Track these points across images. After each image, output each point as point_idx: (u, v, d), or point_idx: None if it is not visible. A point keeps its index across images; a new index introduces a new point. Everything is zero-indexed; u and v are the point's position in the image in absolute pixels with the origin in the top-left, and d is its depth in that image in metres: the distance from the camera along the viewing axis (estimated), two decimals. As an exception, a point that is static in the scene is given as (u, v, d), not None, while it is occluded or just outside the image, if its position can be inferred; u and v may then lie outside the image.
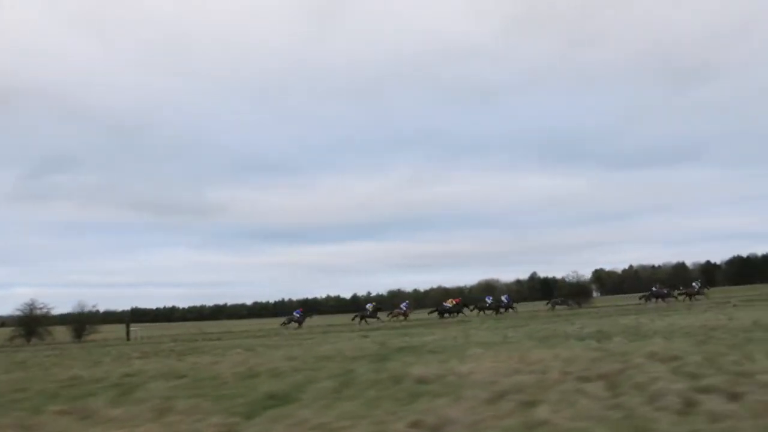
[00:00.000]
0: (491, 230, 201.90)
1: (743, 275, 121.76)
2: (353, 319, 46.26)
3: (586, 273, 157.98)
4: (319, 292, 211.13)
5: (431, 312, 48.53)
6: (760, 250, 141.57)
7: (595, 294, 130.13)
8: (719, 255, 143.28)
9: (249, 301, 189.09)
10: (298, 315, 46.75)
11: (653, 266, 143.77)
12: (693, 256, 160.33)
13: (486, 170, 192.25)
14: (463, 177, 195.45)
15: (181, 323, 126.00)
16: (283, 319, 48.12)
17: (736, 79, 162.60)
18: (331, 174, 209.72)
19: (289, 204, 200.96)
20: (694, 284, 51.89)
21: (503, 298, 50.69)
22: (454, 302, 48.45)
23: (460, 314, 46.26)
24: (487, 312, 47.86)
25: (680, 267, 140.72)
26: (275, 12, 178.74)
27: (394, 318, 46.22)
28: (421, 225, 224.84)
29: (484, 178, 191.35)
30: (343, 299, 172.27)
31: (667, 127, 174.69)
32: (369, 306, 47.64)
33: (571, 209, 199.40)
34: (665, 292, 49.21)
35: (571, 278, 60.53)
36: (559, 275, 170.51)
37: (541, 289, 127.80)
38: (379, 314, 46.55)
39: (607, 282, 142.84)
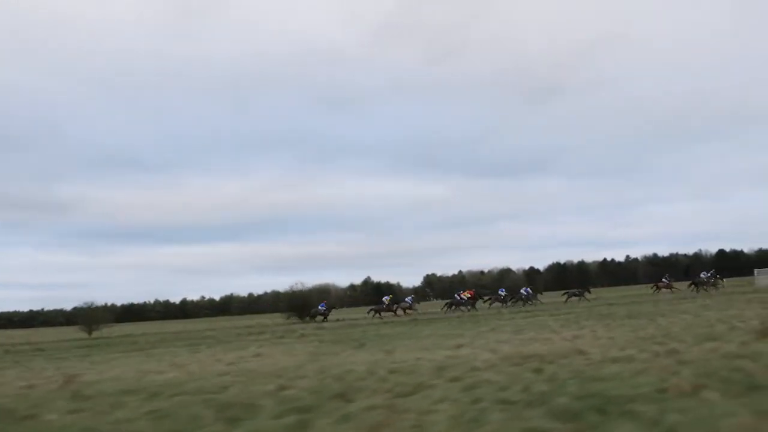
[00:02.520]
0: (355, 233, 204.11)
1: (559, 281, 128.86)
2: (368, 313, 44.82)
3: (420, 278, 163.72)
4: (174, 295, 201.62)
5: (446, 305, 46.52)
6: (600, 256, 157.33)
7: (432, 299, 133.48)
8: (567, 259, 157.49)
9: (69, 307, 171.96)
10: (322, 308, 44.93)
11: (482, 272, 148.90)
12: (540, 260, 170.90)
13: (353, 174, 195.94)
14: (331, 180, 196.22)
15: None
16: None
17: (582, 97, 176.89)
18: (195, 173, 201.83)
19: (149, 203, 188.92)
20: (702, 275, 46.34)
21: (522, 290, 48.51)
22: (468, 294, 46.10)
23: (473, 308, 43.76)
24: (508, 303, 45.93)
25: (505, 272, 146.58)
26: (141, 4, 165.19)
27: (402, 313, 44.30)
28: (287, 227, 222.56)
29: (351, 181, 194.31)
30: (173, 304, 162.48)
31: (521, 140, 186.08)
32: (385, 299, 46.55)
33: (431, 215, 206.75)
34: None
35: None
36: (410, 279, 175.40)
37: (372, 293, 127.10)
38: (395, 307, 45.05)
39: (437, 286, 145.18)
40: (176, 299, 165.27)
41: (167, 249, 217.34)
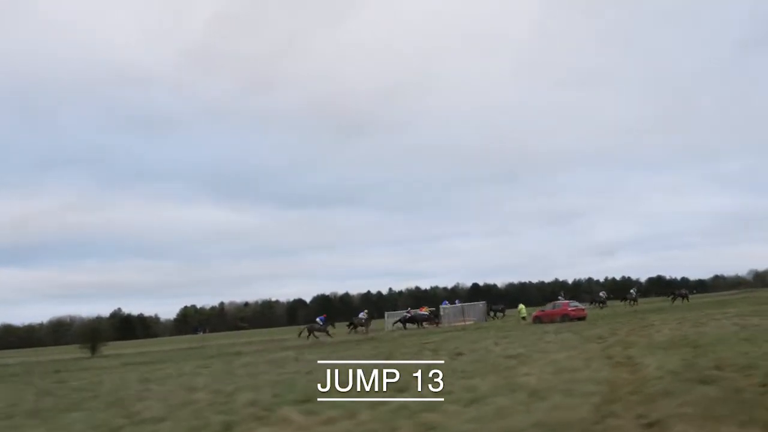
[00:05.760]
0: (158, 260, 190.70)
1: (324, 313, 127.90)
2: (394, 325, 47.63)
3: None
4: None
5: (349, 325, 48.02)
6: (398, 287, 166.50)
7: (202, 332, 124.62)
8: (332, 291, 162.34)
9: None
10: (321, 322, 43.97)
11: (246, 303, 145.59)
12: (335, 290, 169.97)
13: (158, 199, 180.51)
14: (133, 204, 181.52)
15: None
16: (302, 329, 44.39)
17: (391, 135, 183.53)
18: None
19: None
20: (632, 291, 55.67)
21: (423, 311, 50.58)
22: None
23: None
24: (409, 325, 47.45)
25: (267, 304, 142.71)
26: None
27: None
28: (81, 252, 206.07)
29: (156, 206, 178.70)
30: None
31: (333, 173, 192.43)
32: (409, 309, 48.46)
33: (240, 244, 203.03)
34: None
35: None
36: (172, 310, 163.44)
37: (121, 327, 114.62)
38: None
39: (193, 320, 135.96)
40: None
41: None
